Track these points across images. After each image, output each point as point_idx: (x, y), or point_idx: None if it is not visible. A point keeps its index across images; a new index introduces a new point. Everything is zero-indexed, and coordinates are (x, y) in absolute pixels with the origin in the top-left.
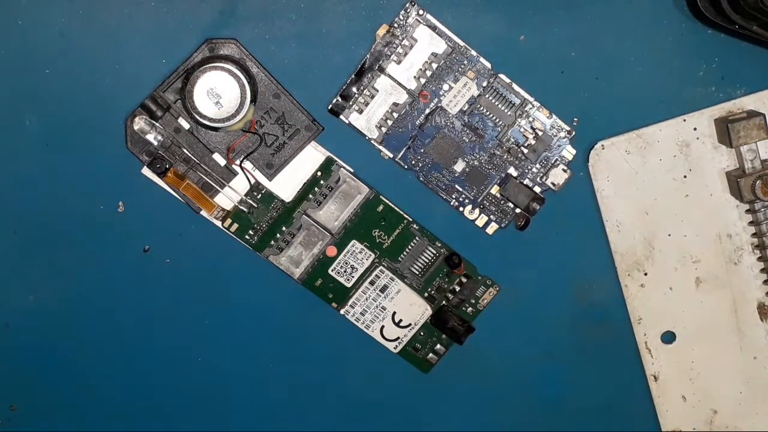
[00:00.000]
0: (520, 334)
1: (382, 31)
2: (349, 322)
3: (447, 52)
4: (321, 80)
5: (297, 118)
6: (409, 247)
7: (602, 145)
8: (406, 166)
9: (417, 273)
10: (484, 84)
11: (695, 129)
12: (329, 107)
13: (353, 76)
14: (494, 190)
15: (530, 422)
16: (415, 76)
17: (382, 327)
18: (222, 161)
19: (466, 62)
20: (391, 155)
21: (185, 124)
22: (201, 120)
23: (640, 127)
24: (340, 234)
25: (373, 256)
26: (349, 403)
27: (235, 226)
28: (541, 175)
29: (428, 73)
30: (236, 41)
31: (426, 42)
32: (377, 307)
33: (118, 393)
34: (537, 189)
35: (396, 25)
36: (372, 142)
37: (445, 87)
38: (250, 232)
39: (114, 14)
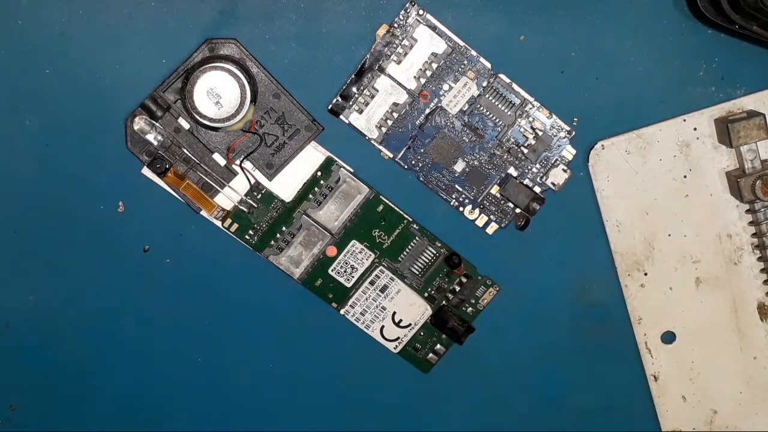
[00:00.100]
0: (520, 334)
1: (382, 31)
2: (349, 322)
3: (447, 52)
4: (321, 80)
5: (297, 118)
6: (409, 247)
7: (602, 145)
8: (406, 166)
9: (417, 273)
10: (484, 84)
11: (695, 129)
12: (329, 107)
13: (353, 76)
14: (494, 190)
15: (530, 422)
16: (415, 76)
17: (382, 327)
18: (222, 161)
19: (466, 62)
20: (391, 155)
21: (185, 124)
22: (201, 120)
23: (640, 127)
24: (340, 234)
25: (373, 256)
26: (349, 403)
27: (235, 226)
28: (541, 175)
29: (428, 73)
30: (236, 41)
31: (426, 42)
32: (377, 307)
33: (118, 393)
34: (537, 189)
35: (396, 25)
36: (372, 142)
37: (445, 87)
38: (250, 232)
39: (114, 14)
